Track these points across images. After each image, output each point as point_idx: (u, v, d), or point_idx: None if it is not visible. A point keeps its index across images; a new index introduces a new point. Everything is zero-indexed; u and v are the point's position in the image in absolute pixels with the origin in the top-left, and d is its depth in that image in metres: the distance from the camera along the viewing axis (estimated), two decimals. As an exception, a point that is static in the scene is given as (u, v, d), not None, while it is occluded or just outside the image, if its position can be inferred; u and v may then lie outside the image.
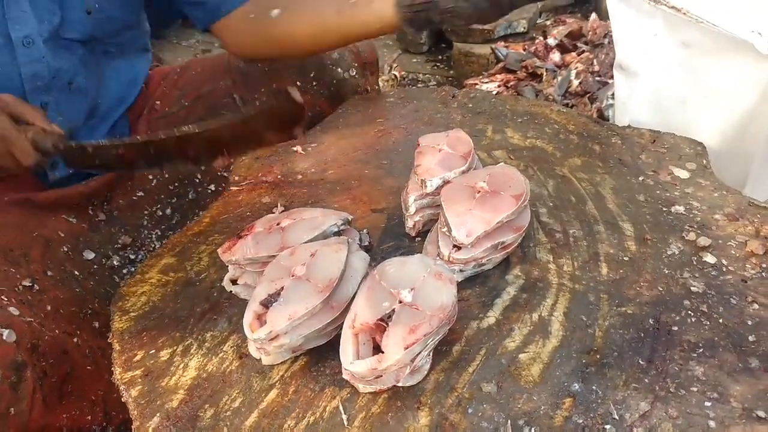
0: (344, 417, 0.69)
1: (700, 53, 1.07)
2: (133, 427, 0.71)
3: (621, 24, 1.17)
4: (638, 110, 1.23)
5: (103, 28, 1.16)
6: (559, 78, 2.21)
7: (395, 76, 2.27)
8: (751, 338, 0.74)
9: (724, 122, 1.13)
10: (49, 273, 1.02)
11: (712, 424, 0.65)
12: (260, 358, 0.77)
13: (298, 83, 1.34)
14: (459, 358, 0.74)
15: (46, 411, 0.85)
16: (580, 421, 0.66)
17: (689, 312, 0.78)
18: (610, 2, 1.16)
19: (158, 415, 0.71)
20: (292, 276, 0.77)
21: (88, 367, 0.95)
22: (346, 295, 0.77)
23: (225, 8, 1.16)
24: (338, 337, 0.73)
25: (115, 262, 1.18)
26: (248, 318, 0.75)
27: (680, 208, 0.94)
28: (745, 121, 1.11)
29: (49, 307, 0.95)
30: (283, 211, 1.01)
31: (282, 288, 0.76)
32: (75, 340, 0.96)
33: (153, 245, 1.24)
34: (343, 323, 0.73)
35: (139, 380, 0.76)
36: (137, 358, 0.79)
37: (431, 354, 0.73)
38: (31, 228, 1.07)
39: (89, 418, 0.95)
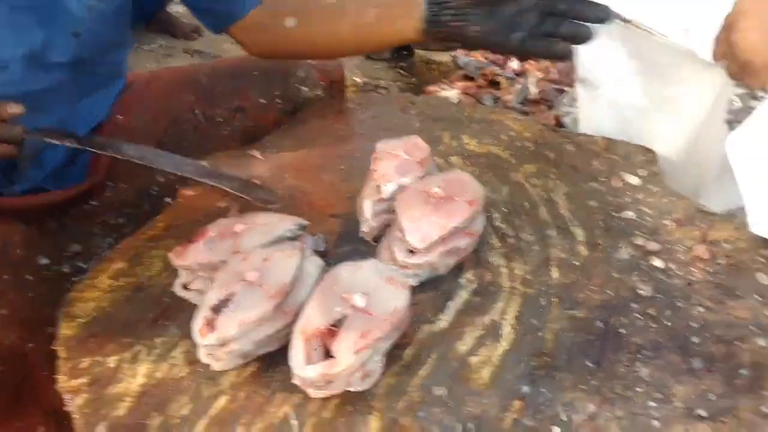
0: (295, 423, 0.69)
1: (653, 64, 1.10)
2: (78, 436, 0.70)
3: None
4: (600, 122, 1.25)
5: (90, 49, 1.13)
6: (518, 86, 2.25)
7: (356, 82, 2.28)
8: (694, 340, 0.76)
9: (679, 131, 1.15)
10: (5, 276, 1.00)
11: (656, 423, 0.67)
12: (210, 364, 0.77)
13: (262, 101, 1.33)
14: (410, 362, 0.74)
15: None
16: (529, 423, 0.67)
17: (637, 315, 0.80)
18: None
19: (103, 423, 0.70)
20: (244, 281, 0.77)
21: (44, 372, 0.93)
22: (299, 300, 0.77)
23: (234, 16, 1.15)
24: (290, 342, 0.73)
25: (65, 270, 1.15)
26: (198, 324, 0.74)
27: (631, 214, 0.96)
28: (699, 129, 1.14)
29: (5, 311, 0.93)
30: (238, 216, 1.00)
31: (233, 293, 0.76)
32: (31, 345, 0.94)
33: (104, 254, 1.21)
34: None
35: (85, 388, 0.74)
36: (83, 365, 0.77)
37: (383, 358, 0.73)
38: None
39: (43, 428, 0.93)
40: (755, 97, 1.03)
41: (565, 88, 2.18)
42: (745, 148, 0.92)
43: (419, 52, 2.81)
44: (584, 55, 1.20)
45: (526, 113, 2.19)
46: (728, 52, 0.92)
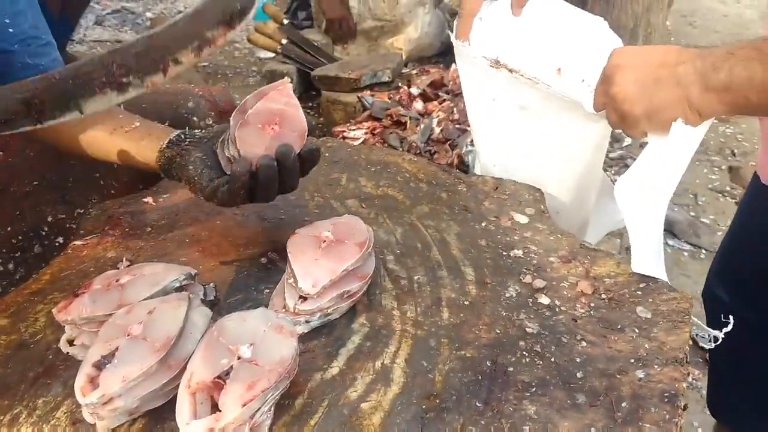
0: (181, 481, 0.67)
1: (536, 115, 1.14)
2: None
3: (467, 85, 1.23)
4: (492, 165, 1.29)
5: None
6: (422, 126, 2.30)
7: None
8: (578, 375, 0.79)
9: (565, 175, 1.20)
10: None
11: (541, 460, 0.68)
12: (95, 424, 0.74)
13: None
14: (301, 411, 0.74)
15: None
16: (419, 467, 0.68)
17: (524, 352, 0.82)
18: (459, 63, 1.22)
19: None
20: (128, 335, 0.74)
21: None
22: (186, 353, 0.75)
23: None
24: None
25: None
26: (80, 381, 0.72)
27: (518, 252, 0.99)
28: (583, 173, 1.19)
29: None
30: (128, 266, 0.97)
31: (117, 348, 0.73)
32: None
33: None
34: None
35: (-45, 457, 0.70)
36: (-46, 432, 0.73)
37: (272, 409, 0.72)
38: None
39: None
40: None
41: (467, 128, 2.24)
42: (631, 193, 0.97)
43: (326, 93, 2.84)
44: (471, 102, 1.24)
45: (431, 153, 2.25)
46: (608, 104, 0.97)
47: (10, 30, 1.08)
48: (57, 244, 1.27)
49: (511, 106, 1.14)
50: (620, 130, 0.99)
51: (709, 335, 0.89)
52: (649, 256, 0.95)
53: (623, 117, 0.94)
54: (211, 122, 1.35)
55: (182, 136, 0.99)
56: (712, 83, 0.84)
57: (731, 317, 0.88)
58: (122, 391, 0.70)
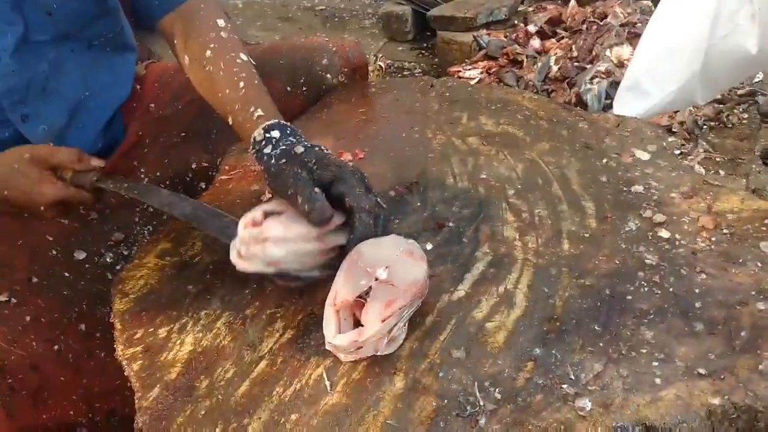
0: (327, 383, 0.76)
1: None
2: (135, 397, 0.78)
3: None
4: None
5: (69, 24, 1.17)
6: (539, 64, 2.28)
7: (381, 66, 2.33)
8: (697, 305, 0.81)
9: None
10: (35, 280, 1.08)
11: (657, 381, 0.73)
12: (236, 264, 0.85)
13: (288, 89, 1.38)
14: (431, 328, 0.81)
15: (14, 420, 0.93)
16: (540, 381, 0.74)
17: (643, 282, 0.85)
18: None
19: (158, 386, 0.78)
20: None
21: (61, 378, 1.02)
22: (335, 241, 0.85)
23: (158, 12, 1.18)
24: (310, 281, 0.85)
25: (108, 259, 1.24)
26: (246, 218, 0.84)
27: (639, 188, 1.01)
28: None
29: (28, 318, 1.01)
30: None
31: (284, 211, 0.85)
32: (56, 347, 1.02)
33: (145, 240, 1.29)
34: (322, 264, 0.84)
35: (140, 356, 0.83)
36: (137, 335, 0.86)
37: (406, 325, 0.80)
38: (16, 237, 1.13)
39: (72, 413, 1.02)
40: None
41: (586, 66, 2.20)
42: None
43: (441, 33, 2.85)
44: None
45: (548, 91, 2.23)
46: None
47: None
48: (200, 188, 1.39)
49: None
50: None
51: None
52: None
53: None
54: (344, 79, 1.40)
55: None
56: None
57: None
58: (278, 239, 0.82)
